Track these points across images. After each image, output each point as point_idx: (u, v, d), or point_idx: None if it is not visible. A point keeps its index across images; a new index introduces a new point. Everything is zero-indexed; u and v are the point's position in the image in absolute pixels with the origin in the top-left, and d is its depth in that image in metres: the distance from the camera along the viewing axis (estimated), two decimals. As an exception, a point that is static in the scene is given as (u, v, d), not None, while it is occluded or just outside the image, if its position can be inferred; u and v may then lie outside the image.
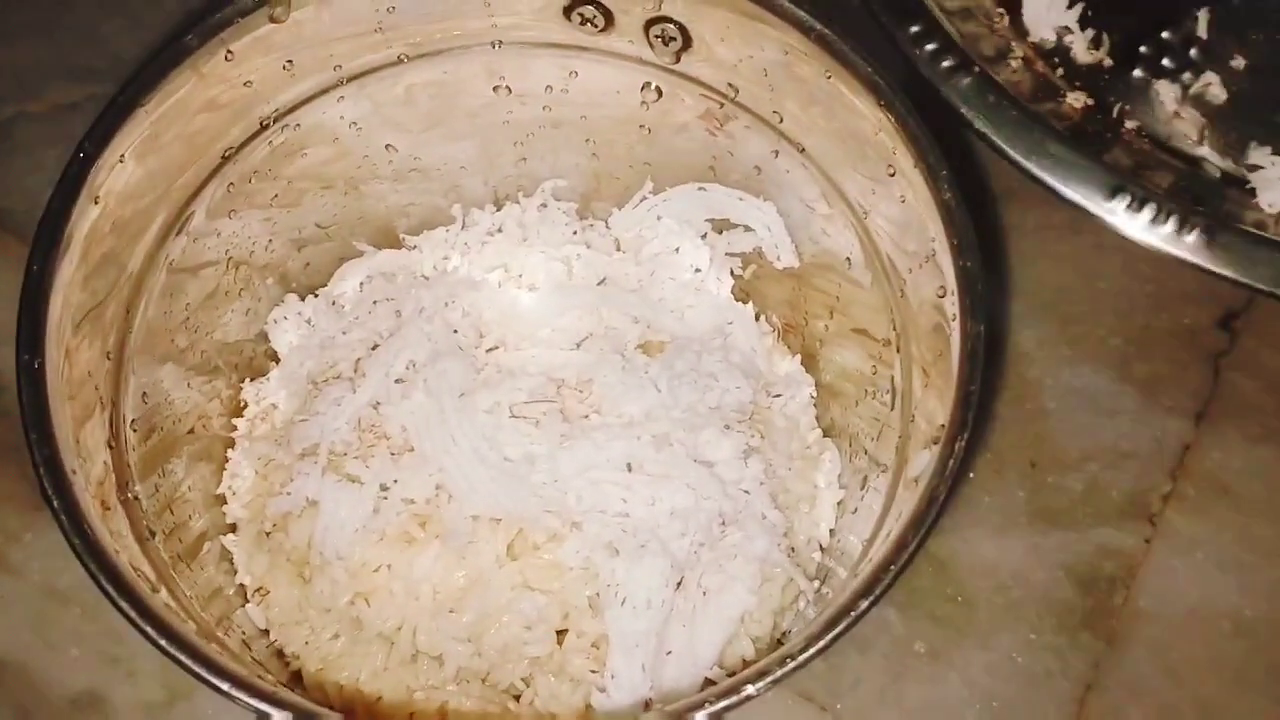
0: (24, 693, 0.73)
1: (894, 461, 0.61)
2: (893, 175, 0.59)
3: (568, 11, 0.64)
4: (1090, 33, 0.63)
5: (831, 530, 0.69)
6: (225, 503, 0.69)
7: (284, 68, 0.63)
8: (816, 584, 0.67)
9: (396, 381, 0.67)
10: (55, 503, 0.51)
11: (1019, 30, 0.62)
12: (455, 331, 0.71)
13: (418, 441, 0.65)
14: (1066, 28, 0.63)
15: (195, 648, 0.50)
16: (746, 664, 0.63)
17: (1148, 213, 0.56)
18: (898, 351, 0.63)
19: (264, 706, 0.49)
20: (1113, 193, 0.56)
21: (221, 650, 0.53)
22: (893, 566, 0.52)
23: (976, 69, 0.58)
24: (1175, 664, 0.74)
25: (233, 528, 0.69)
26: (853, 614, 0.51)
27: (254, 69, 0.61)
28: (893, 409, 0.64)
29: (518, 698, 0.63)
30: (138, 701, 0.72)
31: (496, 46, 0.67)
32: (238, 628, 0.64)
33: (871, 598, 0.51)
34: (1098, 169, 0.55)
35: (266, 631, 0.66)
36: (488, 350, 0.72)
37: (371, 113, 0.69)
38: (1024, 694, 0.74)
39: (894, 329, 0.63)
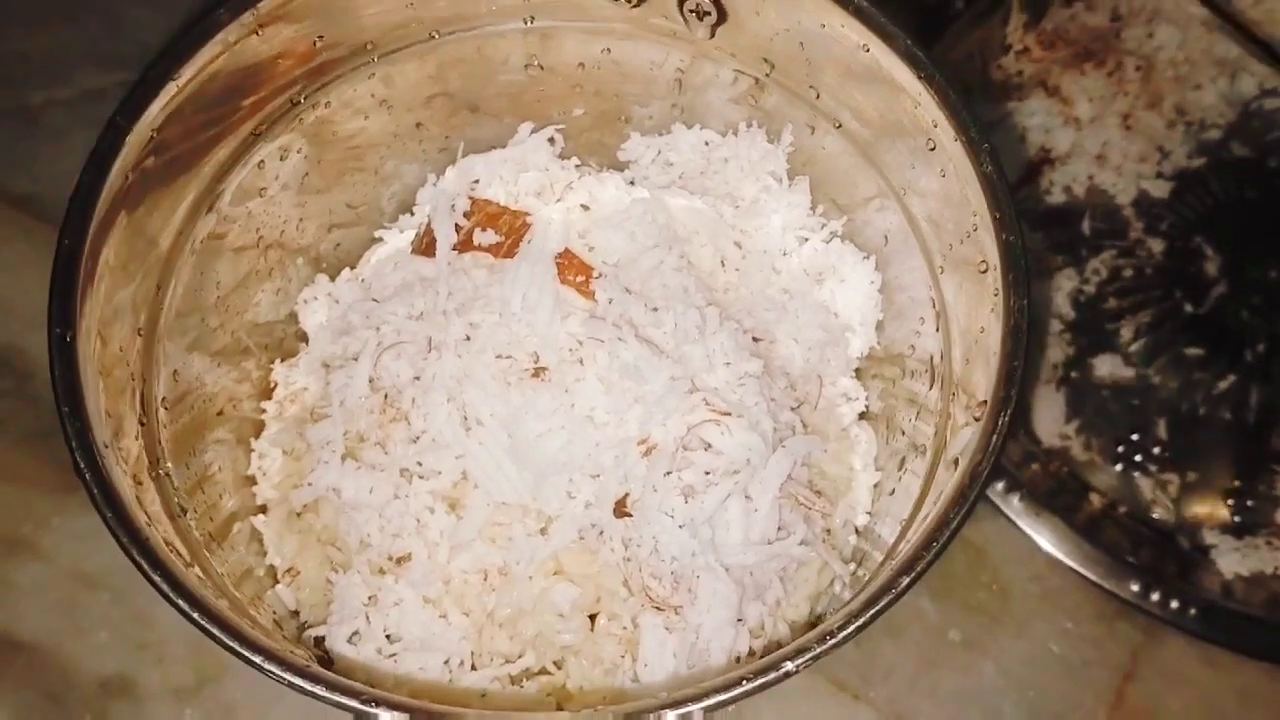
0: (54, 677, 0.73)
1: (932, 443, 0.61)
2: (932, 150, 0.58)
3: (601, -14, 0.63)
4: (1082, 438, 0.79)
5: (868, 513, 0.68)
6: (255, 484, 0.69)
7: (314, 44, 0.62)
8: (852, 567, 0.66)
9: (423, 359, 0.65)
10: (88, 475, 0.51)
11: (1033, 439, 0.79)
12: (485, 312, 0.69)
13: (439, 428, 0.63)
14: (1066, 434, 0.79)
15: (229, 622, 0.49)
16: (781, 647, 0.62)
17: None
18: (936, 330, 0.62)
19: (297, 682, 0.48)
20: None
21: (254, 625, 0.53)
22: (935, 544, 0.51)
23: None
24: (1214, 653, 0.73)
25: (263, 509, 0.68)
26: (893, 591, 0.50)
27: (284, 44, 0.60)
28: (931, 389, 0.63)
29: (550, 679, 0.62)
30: (167, 685, 0.72)
31: (529, 23, 0.66)
32: (269, 608, 0.64)
33: (913, 574, 0.50)
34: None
35: (297, 613, 0.66)
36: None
37: (402, 91, 0.68)
38: (1061, 684, 0.73)
39: (933, 307, 0.62)
